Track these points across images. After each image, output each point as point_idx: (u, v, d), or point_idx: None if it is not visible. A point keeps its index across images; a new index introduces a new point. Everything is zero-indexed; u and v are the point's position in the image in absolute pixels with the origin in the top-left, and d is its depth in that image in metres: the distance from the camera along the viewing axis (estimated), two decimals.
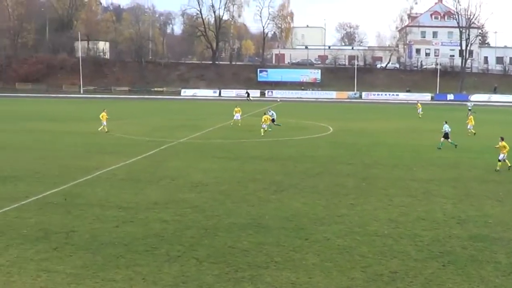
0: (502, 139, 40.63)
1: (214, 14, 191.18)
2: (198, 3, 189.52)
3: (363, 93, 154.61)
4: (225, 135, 60.39)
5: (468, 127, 64.90)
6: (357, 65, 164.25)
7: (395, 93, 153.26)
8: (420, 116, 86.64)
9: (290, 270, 20.10)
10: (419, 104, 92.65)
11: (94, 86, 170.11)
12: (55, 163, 41.74)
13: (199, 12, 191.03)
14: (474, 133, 62.73)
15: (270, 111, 66.65)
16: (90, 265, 20.44)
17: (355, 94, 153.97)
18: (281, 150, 49.09)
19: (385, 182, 35.74)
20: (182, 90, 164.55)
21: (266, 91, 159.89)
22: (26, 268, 20.15)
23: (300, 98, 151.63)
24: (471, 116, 67.60)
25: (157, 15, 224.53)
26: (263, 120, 61.30)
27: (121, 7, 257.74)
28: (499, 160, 39.90)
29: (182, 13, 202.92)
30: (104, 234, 24.04)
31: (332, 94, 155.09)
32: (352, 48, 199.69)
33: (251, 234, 24.09)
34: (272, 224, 25.65)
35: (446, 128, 51.92)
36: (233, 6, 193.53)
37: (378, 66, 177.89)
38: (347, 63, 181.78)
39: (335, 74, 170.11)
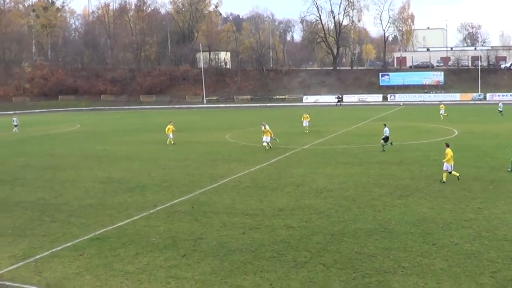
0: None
1: (334, 19, 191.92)
2: (318, 9, 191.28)
3: (488, 95, 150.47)
4: (348, 140, 60.23)
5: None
6: (480, 65, 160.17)
7: None
8: (442, 118, 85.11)
9: (417, 275, 19.86)
10: (442, 105, 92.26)
11: (217, 96, 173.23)
12: (181, 172, 42.68)
13: (318, 19, 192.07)
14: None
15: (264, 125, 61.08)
16: (218, 271, 20.75)
17: (479, 95, 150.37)
18: (406, 154, 48.50)
19: None
20: (304, 97, 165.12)
21: (388, 95, 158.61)
22: (156, 275, 20.65)
23: (423, 101, 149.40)
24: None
25: (276, 23, 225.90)
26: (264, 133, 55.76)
27: (241, 17, 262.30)
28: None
29: (301, 20, 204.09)
30: (231, 241, 24.37)
31: (456, 96, 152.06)
32: (475, 49, 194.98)
33: (378, 239, 23.93)
34: (398, 229, 25.39)
35: (386, 131, 51.41)
36: (353, 10, 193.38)
37: (502, 66, 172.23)
38: (470, 64, 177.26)
39: (458, 75, 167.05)
